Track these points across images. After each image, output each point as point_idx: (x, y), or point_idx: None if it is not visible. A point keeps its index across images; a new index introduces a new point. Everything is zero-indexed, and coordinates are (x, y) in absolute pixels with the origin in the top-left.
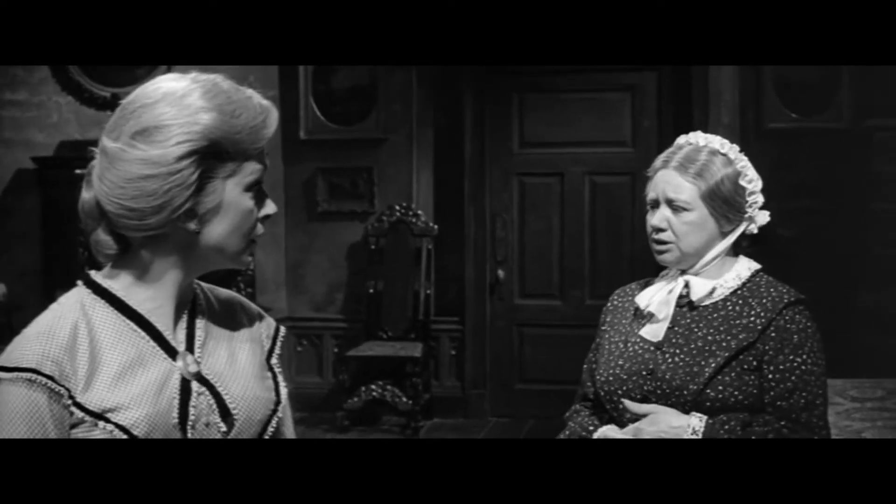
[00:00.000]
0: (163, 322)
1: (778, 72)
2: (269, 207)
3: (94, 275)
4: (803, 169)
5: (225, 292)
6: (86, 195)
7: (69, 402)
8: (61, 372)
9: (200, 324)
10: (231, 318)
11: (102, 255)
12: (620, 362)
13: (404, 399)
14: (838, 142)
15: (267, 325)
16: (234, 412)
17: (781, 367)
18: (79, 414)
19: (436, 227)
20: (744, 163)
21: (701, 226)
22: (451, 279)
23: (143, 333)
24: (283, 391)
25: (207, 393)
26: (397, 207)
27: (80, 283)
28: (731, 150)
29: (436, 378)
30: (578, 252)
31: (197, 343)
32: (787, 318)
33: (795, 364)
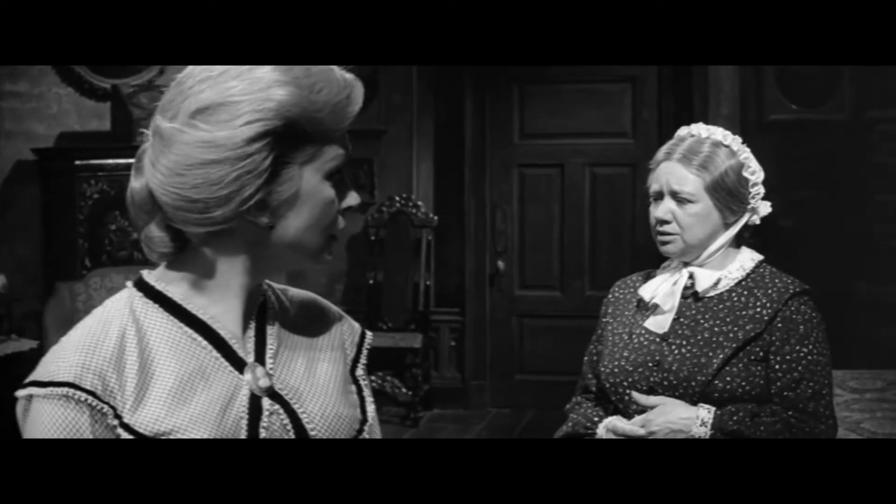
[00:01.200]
0: (228, 330)
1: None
2: (352, 198)
3: (147, 275)
4: (804, 160)
5: (300, 293)
6: (136, 184)
7: (115, 422)
8: (105, 386)
9: (272, 331)
10: (309, 323)
11: (156, 254)
12: (626, 354)
13: (404, 390)
14: (839, 133)
15: (350, 330)
16: (312, 434)
17: (788, 357)
18: (127, 437)
19: (436, 218)
20: (746, 154)
21: (705, 217)
22: (451, 270)
23: (204, 343)
24: (371, 407)
25: (281, 411)
26: (397, 198)
27: (129, 284)
28: (734, 141)
29: (435, 369)
30: (578, 243)
31: (268, 353)
32: (793, 308)
33: (802, 354)
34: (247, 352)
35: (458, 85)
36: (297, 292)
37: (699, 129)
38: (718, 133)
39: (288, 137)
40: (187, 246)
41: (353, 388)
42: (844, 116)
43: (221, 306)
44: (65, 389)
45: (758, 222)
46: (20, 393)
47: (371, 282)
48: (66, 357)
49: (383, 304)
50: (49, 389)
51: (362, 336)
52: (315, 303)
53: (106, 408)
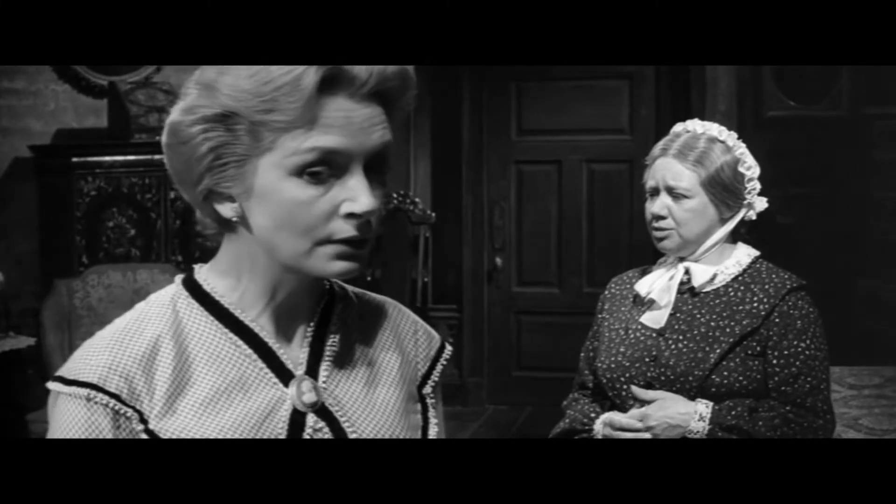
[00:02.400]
0: (276, 337)
1: None
2: (357, 203)
3: (197, 271)
4: (802, 157)
5: (377, 298)
6: None
7: (139, 427)
8: (131, 389)
9: (333, 339)
10: (379, 333)
11: (208, 231)
12: (622, 349)
13: None
14: (837, 130)
15: (427, 343)
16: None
17: (786, 352)
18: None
19: (433, 214)
20: (742, 150)
21: (701, 213)
22: (448, 267)
23: (248, 350)
24: (434, 430)
25: (327, 429)
26: (395, 195)
27: (178, 279)
28: (730, 137)
29: None
30: (576, 240)
31: (324, 364)
32: (790, 303)
33: (799, 349)
34: (298, 362)
35: (456, 82)
36: (373, 297)
37: (695, 125)
38: (714, 129)
39: (231, 126)
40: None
41: (419, 407)
42: (842, 113)
43: (265, 307)
44: (86, 391)
45: (754, 217)
46: (49, 384)
47: (369, 279)
48: (94, 354)
49: None
50: (72, 388)
51: (440, 350)
52: (391, 309)
53: (130, 412)
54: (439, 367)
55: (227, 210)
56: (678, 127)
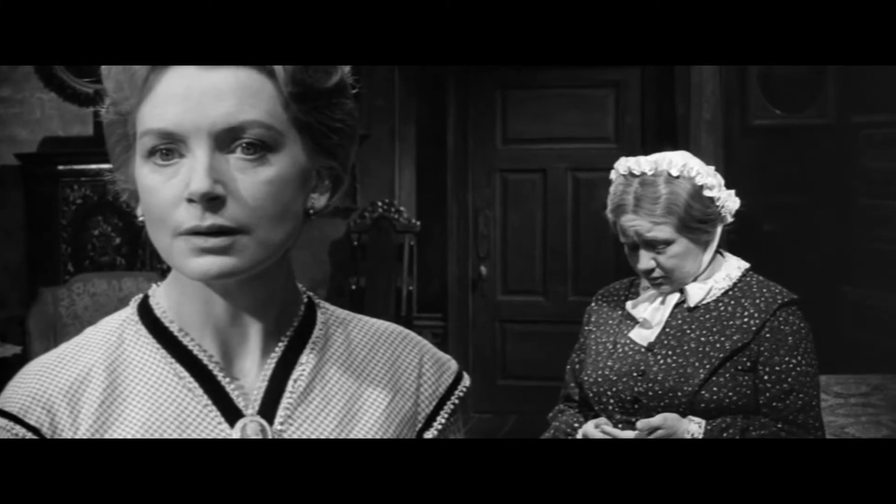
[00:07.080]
0: (226, 364)
1: (762, 68)
2: (189, 185)
3: (153, 291)
4: (789, 165)
5: (380, 326)
6: None
7: None
8: (53, 423)
9: (301, 371)
10: (369, 367)
11: None
12: (610, 363)
13: None
14: (823, 138)
15: (435, 378)
16: None
17: (777, 368)
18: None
19: (418, 223)
20: (697, 170)
21: (686, 253)
22: (433, 275)
23: (191, 382)
24: None
25: None
26: (379, 203)
27: (133, 302)
28: (684, 167)
29: None
30: (561, 248)
31: (284, 402)
32: (780, 319)
33: (791, 365)
34: (252, 398)
35: (441, 89)
36: (373, 324)
37: (641, 167)
38: (664, 164)
39: (117, 114)
40: None
41: None
42: (828, 121)
43: (204, 325)
44: (5, 422)
45: (730, 219)
46: None
47: (353, 287)
48: (23, 381)
49: (366, 310)
50: None
51: (452, 386)
52: (393, 339)
53: None
54: (449, 407)
55: (138, 210)
56: (622, 167)
